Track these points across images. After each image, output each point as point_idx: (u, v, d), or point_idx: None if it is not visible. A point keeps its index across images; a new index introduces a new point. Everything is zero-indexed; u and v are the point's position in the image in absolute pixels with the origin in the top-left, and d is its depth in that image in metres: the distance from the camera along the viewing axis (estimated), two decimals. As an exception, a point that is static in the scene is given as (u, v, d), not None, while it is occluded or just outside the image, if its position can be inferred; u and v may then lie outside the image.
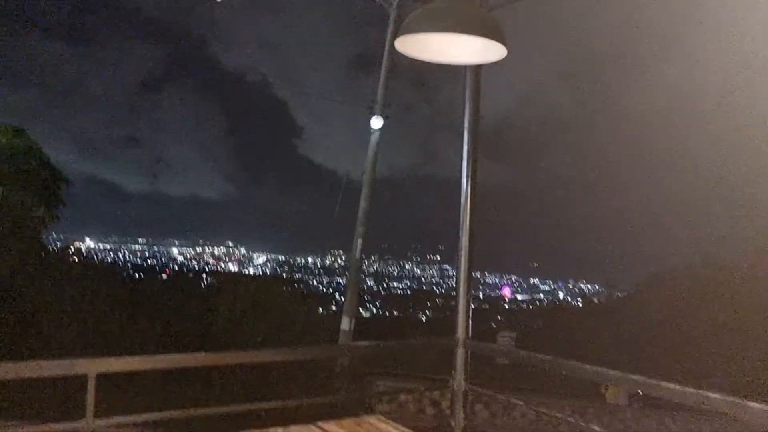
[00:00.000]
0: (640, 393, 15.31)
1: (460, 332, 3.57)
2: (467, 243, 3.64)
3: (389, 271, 73.98)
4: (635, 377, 2.81)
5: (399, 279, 70.61)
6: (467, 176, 3.59)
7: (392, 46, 13.38)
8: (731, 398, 2.34)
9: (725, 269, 23.46)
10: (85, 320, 9.24)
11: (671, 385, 2.69)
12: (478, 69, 3.61)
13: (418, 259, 76.69)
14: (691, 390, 2.53)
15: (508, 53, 2.18)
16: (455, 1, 1.94)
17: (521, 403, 3.81)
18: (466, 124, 3.60)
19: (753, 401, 2.30)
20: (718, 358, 18.16)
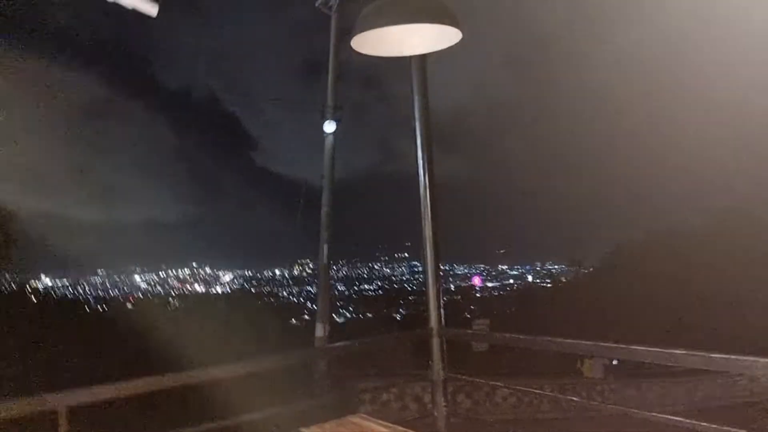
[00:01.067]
0: (614, 363, 15.73)
1: (433, 322, 3.61)
2: (431, 233, 3.68)
3: (359, 273, 73.87)
4: (606, 344, 2.90)
5: (369, 281, 70.57)
6: (424, 168, 3.63)
7: (337, 49, 13.38)
8: (695, 352, 2.44)
9: (684, 237, 24.30)
10: (48, 358, 8.97)
11: (640, 348, 2.79)
12: (423, 61, 3.65)
13: (387, 259, 76.82)
14: (658, 350, 2.62)
15: (459, 41, 2.20)
16: None
17: (500, 384, 3.87)
18: (417, 116, 3.63)
19: (715, 353, 2.40)
20: (683, 317, 18.80)
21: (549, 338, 3.14)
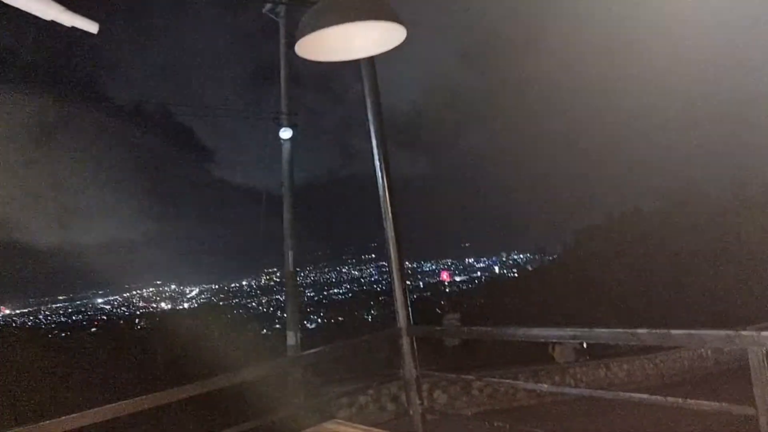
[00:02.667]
0: (584, 346, 16.07)
1: (402, 321, 3.62)
2: (393, 232, 3.69)
3: (327, 278, 73.57)
4: (571, 330, 2.95)
5: (338, 284, 70.36)
6: (381, 168, 3.64)
7: (287, 56, 13.29)
8: (656, 330, 2.51)
9: (641, 219, 24.99)
10: (10, 390, 8.65)
11: (604, 330, 2.85)
12: (372, 63, 3.66)
13: (354, 261, 76.74)
14: (621, 330, 2.69)
15: (410, 40, 2.20)
16: None
17: (471, 377, 3.90)
18: (370, 118, 3.64)
19: (675, 329, 2.47)
20: (644, 300, 19.33)
21: (514, 328, 3.18)
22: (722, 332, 2.35)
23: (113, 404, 2.86)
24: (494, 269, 70.47)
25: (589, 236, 26.90)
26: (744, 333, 2.21)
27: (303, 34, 1.91)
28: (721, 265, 19.50)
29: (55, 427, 2.54)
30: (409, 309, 3.69)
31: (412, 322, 3.65)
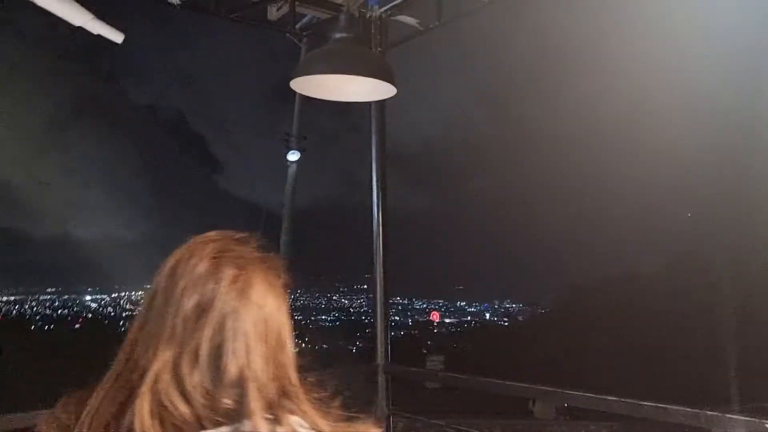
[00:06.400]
0: (566, 405, 15.87)
1: (380, 358, 3.63)
2: (381, 270, 3.73)
3: (316, 303, 73.08)
4: (542, 387, 2.97)
5: (327, 311, 69.85)
6: (378, 204, 3.71)
7: (306, 80, 13.53)
8: (626, 399, 2.52)
9: (637, 280, 24.95)
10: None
11: (575, 393, 2.87)
12: (383, 104, 3.76)
13: (345, 290, 76.31)
14: (592, 395, 2.71)
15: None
16: (349, 42, 2.04)
17: (441, 423, 3.89)
18: (374, 155, 3.72)
19: (645, 401, 2.49)
20: (629, 364, 19.17)
21: (491, 380, 3.20)
22: (689, 409, 2.37)
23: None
24: (485, 315, 70.03)
25: (583, 295, 26.86)
26: (709, 413, 2.24)
27: (301, 74, 2.01)
28: (717, 337, 19.38)
29: (20, 421, 2.55)
30: (389, 346, 3.71)
31: (389, 359, 3.66)
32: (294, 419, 0.74)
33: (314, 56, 2.00)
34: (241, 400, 0.69)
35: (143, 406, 0.67)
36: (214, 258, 0.78)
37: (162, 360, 0.70)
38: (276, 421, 0.71)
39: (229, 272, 0.77)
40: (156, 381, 0.69)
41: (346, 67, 1.97)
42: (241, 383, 0.70)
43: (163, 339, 0.72)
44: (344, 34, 2.02)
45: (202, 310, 0.73)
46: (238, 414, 0.69)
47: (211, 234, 0.83)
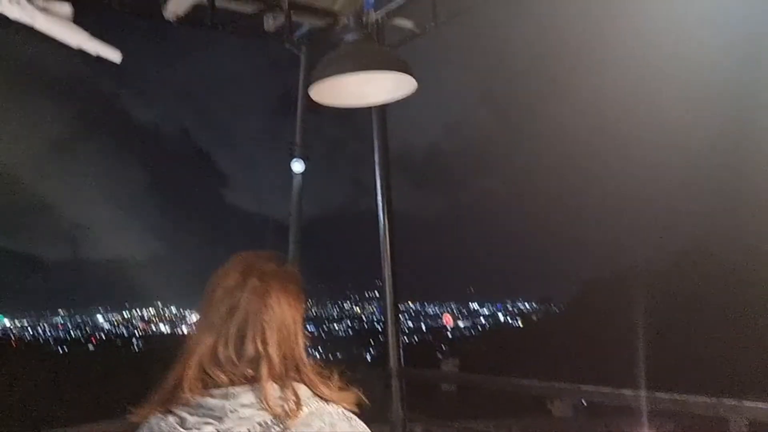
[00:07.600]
0: (584, 403, 15.76)
1: (392, 362, 3.62)
2: (390, 273, 3.74)
3: (329, 313, 73.06)
4: (559, 385, 2.96)
5: (339, 320, 69.82)
6: (383, 209, 3.71)
7: (305, 88, 13.58)
8: (640, 392, 2.51)
9: (652, 274, 24.78)
10: (3, 401, 8.63)
11: (590, 387, 2.85)
12: (383, 109, 3.78)
13: (357, 297, 76.27)
14: (607, 389, 2.69)
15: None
16: (359, 43, 2.04)
17: (455, 426, 3.88)
18: (376, 160, 3.74)
19: (660, 392, 2.47)
20: (649, 359, 18.96)
21: (505, 377, 3.19)
22: (708, 399, 2.35)
23: (102, 422, 2.88)
24: (498, 317, 69.76)
25: (596, 290, 26.67)
26: (726, 401, 2.21)
27: (318, 79, 2.00)
28: (731, 329, 19.19)
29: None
30: (401, 350, 3.70)
31: (403, 363, 3.65)
32: (299, 385, 1.01)
33: (332, 59, 1.99)
34: (257, 370, 1.00)
35: (188, 374, 1.01)
36: (242, 273, 1.07)
37: (205, 344, 1.03)
38: (283, 385, 0.99)
39: (252, 283, 1.06)
40: (201, 357, 1.02)
41: (369, 63, 1.95)
42: (256, 359, 1.01)
43: (206, 330, 1.04)
44: (356, 35, 2.02)
45: (232, 310, 1.04)
46: (254, 379, 0.99)
47: (243, 253, 1.13)
